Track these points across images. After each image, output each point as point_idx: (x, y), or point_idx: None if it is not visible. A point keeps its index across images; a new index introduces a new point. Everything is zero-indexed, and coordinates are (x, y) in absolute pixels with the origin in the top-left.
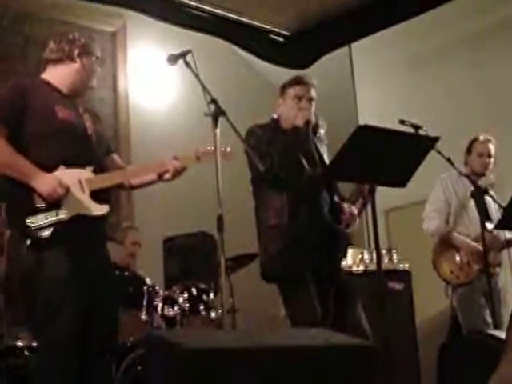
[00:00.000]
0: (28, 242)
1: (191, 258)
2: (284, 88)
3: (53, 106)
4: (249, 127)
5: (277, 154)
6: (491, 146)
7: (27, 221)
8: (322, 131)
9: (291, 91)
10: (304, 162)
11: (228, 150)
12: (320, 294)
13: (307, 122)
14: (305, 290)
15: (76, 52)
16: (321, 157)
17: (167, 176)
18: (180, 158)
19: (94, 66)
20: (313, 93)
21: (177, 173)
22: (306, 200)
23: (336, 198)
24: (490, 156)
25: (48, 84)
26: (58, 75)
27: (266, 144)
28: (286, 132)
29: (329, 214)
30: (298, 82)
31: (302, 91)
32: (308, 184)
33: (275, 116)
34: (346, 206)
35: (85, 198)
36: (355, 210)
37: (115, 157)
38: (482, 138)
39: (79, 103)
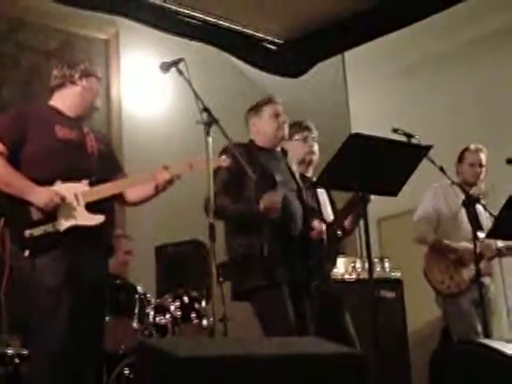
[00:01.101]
0: (26, 253)
1: (183, 266)
2: (256, 108)
3: (53, 126)
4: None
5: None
6: (482, 156)
7: (25, 233)
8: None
9: (267, 110)
10: (277, 177)
11: (223, 157)
12: (297, 306)
13: (281, 140)
14: (279, 303)
15: (77, 76)
16: (293, 174)
17: (160, 187)
18: (171, 167)
19: (96, 86)
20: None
21: (168, 183)
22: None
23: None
24: (481, 166)
25: (53, 109)
26: (63, 99)
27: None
28: (263, 149)
29: (302, 225)
30: (270, 100)
31: (277, 108)
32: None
33: (252, 137)
34: (316, 222)
35: (80, 209)
36: (323, 227)
37: (123, 175)
38: (472, 147)
39: (85, 125)
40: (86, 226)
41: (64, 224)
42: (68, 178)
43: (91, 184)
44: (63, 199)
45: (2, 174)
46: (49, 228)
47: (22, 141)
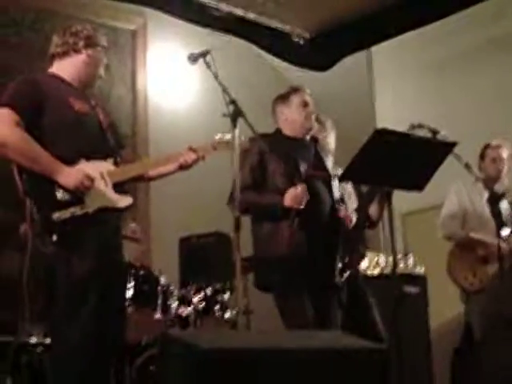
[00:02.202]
0: (54, 237)
1: (207, 258)
2: (285, 97)
3: (67, 97)
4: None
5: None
6: (504, 151)
7: (53, 215)
8: (330, 140)
9: (295, 99)
10: (302, 167)
11: (243, 138)
12: (319, 301)
13: (308, 130)
14: (298, 298)
15: (81, 44)
16: (322, 163)
17: (184, 168)
18: (197, 148)
19: (100, 56)
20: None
21: (192, 164)
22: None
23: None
24: (503, 161)
25: (57, 77)
26: (65, 68)
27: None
28: (290, 139)
29: (330, 215)
30: (298, 89)
31: (305, 98)
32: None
33: (278, 127)
34: (343, 210)
35: (108, 190)
36: (353, 215)
37: (156, 156)
38: (494, 143)
39: (90, 95)
40: (116, 208)
41: (92, 206)
42: (91, 156)
43: (116, 163)
44: (93, 181)
45: (25, 148)
46: (77, 211)
47: (38, 111)
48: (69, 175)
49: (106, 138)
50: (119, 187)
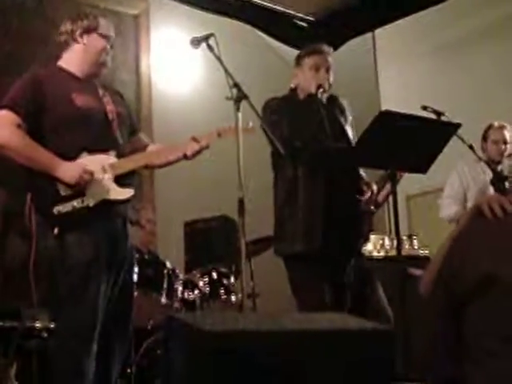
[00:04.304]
0: (56, 230)
1: (212, 241)
2: (300, 58)
3: (70, 93)
4: (265, 100)
5: (288, 123)
6: (506, 133)
7: (54, 209)
8: (344, 103)
9: (308, 61)
10: (322, 131)
11: (250, 124)
12: (334, 277)
13: (319, 87)
14: (313, 273)
15: (78, 32)
16: (341, 127)
17: (190, 157)
18: (200, 138)
19: (98, 42)
20: (330, 61)
21: (197, 153)
22: (322, 174)
23: (361, 172)
24: (505, 143)
25: (63, 70)
26: (69, 59)
27: (278, 114)
28: (303, 102)
29: (350, 191)
30: (314, 51)
31: (320, 60)
32: (324, 156)
33: (292, 86)
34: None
35: (109, 183)
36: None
37: (141, 136)
38: (496, 124)
39: (98, 84)
40: (116, 201)
41: (93, 199)
42: (94, 149)
43: (119, 155)
44: (92, 174)
45: (22, 147)
46: (78, 204)
47: (39, 111)
48: (67, 170)
49: (110, 130)
50: (123, 179)
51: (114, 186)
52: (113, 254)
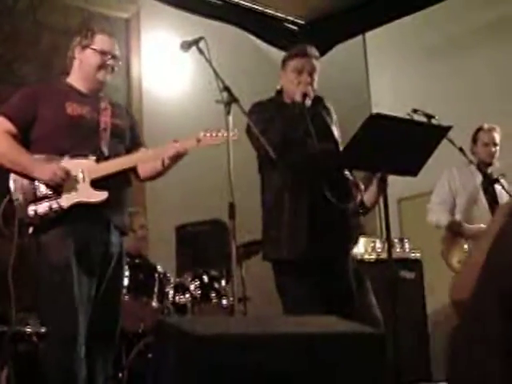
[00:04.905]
0: (30, 229)
1: (203, 245)
2: (284, 60)
3: (64, 103)
4: (252, 103)
5: (275, 130)
6: (496, 135)
7: (29, 209)
8: (328, 104)
9: (291, 63)
10: (308, 135)
11: (236, 131)
12: (321, 281)
13: (304, 96)
14: (299, 278)
15: (76, 48)
16: (328, 127)
17: (167, 161)
18: (180, 142)
19: (92, 58)
20: (314, 64)
21: (176, 158)
22: (307, 178)
23: (346, 173)
24: (495, 145)
25: (68, 85)
26: (72, 75)
27: (266, 121)
28: (288, 106)
29: (334, 191)
30: (297, 54)
31: (301, 64)
32: (310, 160)
33: (278, 88)
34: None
35: (84, 186)
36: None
37: (143, 150)
38: (486, 126)
39: (105, 100)
40: (89, 203)
41: (67, 200)
42: (77, 154)
43: (98, 160)
44: (68, 173)
45: (6, 151)
46: (53, 204)
47: (32, 120)
48: (43, 169)
49: (97, 138)
50: (101, 182)
51: (88, 189)
52: (89, 257)
